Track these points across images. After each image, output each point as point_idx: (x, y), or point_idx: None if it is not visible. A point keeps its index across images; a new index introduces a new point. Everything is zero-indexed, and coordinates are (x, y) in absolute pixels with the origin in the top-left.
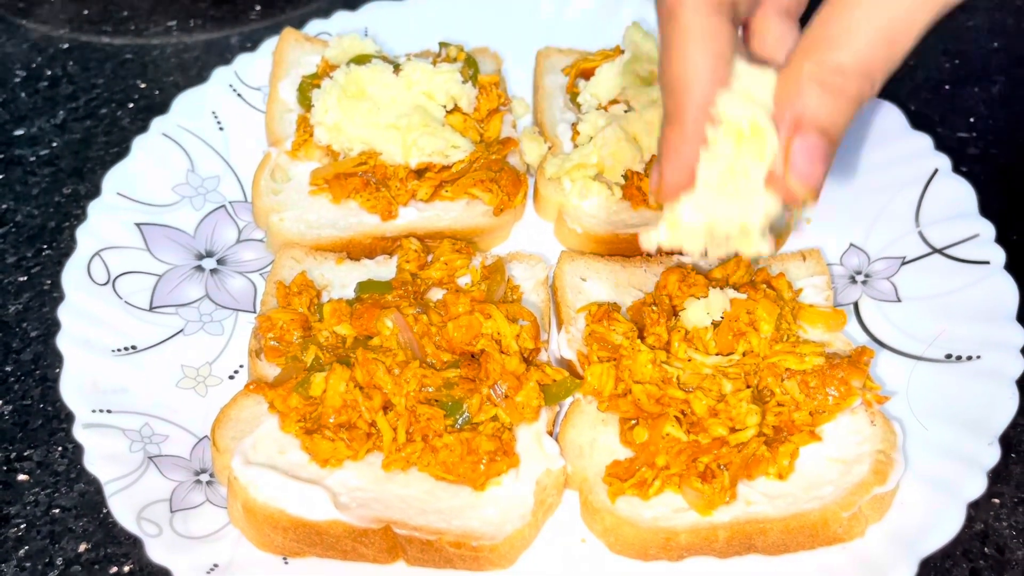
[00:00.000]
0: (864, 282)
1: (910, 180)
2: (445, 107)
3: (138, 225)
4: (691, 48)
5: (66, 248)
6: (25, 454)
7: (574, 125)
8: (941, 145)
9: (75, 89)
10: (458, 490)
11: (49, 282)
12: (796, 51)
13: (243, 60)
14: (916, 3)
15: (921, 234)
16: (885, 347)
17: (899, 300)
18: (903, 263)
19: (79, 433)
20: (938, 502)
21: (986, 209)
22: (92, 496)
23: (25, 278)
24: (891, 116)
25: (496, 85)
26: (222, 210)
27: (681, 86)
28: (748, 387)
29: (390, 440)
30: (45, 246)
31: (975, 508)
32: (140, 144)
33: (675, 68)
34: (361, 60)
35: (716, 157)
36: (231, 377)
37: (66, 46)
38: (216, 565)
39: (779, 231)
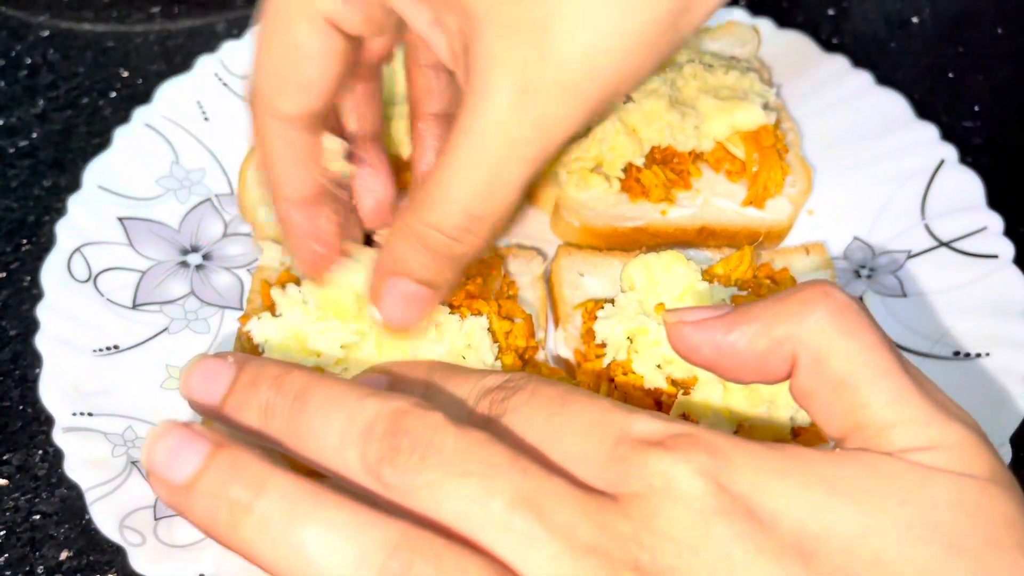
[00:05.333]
0: (869, 276)
1: (915, 171)
2: None
3: (120, 219)
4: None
5: (46, 243)
6: (4, 458)
7: None
8: (945, 134)
9: (55, 78)
10: None
11: (28, 278)
12: (402, 210)
13: (229, 47)
14: (507, 158)
15: (927, 227)
16: None
17: (905, 295)
18: (909, 257)
19: (59, 437)
20: None
21: (994, 201)
22: (74, 501)
23: (4, 274)
24: (896, 104)
25: None
26: (208, 203)
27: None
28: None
29: None
30: (24, 241)
31: None
32: (122, 135)
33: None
34: None
35: None
36: None
37: (46, 33)
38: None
39: None
